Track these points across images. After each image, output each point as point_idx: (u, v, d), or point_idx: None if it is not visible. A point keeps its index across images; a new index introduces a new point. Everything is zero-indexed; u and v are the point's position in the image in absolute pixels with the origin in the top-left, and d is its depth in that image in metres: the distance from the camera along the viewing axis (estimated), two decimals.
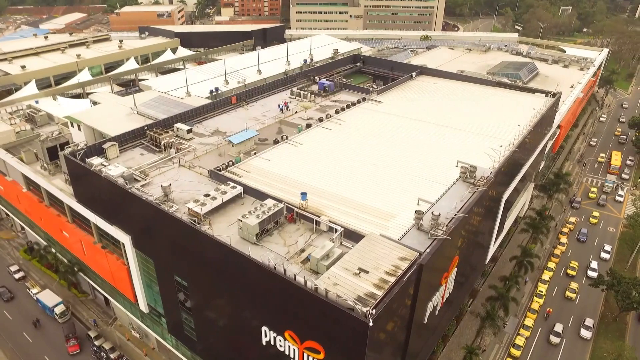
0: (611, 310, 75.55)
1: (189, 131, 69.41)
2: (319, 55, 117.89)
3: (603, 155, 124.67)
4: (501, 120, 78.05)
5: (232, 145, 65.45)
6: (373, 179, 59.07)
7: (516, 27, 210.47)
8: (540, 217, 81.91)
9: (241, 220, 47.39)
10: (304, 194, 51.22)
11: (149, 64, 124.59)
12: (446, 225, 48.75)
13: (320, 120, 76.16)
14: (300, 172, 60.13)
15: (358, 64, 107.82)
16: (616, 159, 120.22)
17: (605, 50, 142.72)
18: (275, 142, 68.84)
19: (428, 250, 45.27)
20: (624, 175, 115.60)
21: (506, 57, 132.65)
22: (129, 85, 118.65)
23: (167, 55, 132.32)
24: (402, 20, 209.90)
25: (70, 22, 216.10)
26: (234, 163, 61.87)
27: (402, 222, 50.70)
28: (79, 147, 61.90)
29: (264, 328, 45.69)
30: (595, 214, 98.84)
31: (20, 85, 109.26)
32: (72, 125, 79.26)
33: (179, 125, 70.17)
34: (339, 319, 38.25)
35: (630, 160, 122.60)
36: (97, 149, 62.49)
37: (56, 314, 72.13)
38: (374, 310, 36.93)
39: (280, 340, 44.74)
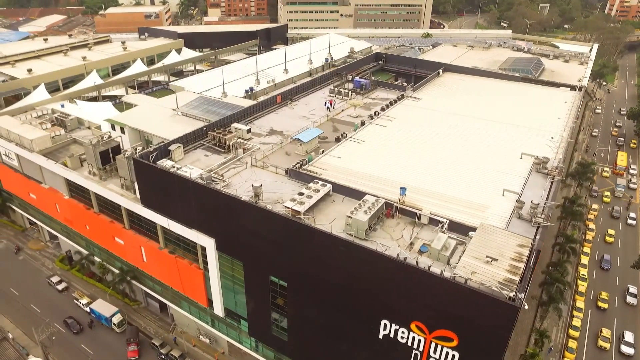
0: None
1: (248, 131, 68.65)
2: (335, 54, 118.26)
3: (607, 169, 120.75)
4: (540, 113, 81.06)
5: (300, 144, 65.40)
6: (448, 172, 60.38)
7: (502, 24, 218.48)
8: (575, 204, 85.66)
9: (350, 217, 47.61)
10: (403, 189, 51.83)
11: (160, 64, 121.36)
12: (543, 213, 50.70)
13: (371, 117, 76.91)
14: (375, 168, 60.69)
15: (380, 62, 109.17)
16: (622, 159, 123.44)
17: (596, 45, 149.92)
18: (337, 140, 69.12)
19: (538, 237, 47.07)
20: (631, 185, 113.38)
21: (508, 53, 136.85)
22: (143, 87, 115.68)
23: (173, 56, 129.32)
24: (391, 19, 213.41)
25: (51, 24, 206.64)
26: (307, 161, 61.75)
27: (496, 212, 52.25)
28: (145, 150, 60.24)
29: (383, 322, 46.11)
30: (611, 232, 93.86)
31: (29, 90, 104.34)
32: (114, 129, 76.82)
33: (237, 125, 69.26)
34: (482, 305, 39.26)
35: (633, 168, 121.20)
36: (162, 152, 60.96)
37: (114, 323, 69.75)
38: (522, 294, 38.33)
39: (403, 332, 45.34)
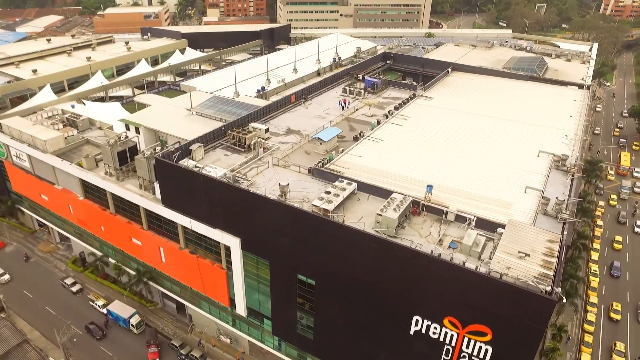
0: None
1: (266, 130, 68.76)
2: (342, 54, 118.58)
3: (612, 172, 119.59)
4: (552, 111, 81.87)
5: (320, 143, 65.63)
6: (469, 170, 60.75)
7: (500, 23, 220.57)
8: (584, 201, 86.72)
9: (380, 215, 47.89)
10: (429, 187, 52.21)
11: (166, 64, 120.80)
12: (567, 209, 51.33)
13: (386, 116, 77.27)
14: (396, 166, 60.91)
15: (388, 62, 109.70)
16: (625, 159, 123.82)
17: (596, 45, 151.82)
18: (355, 139, 69.33)
19: (565, 232, 47.71)
20: (636, 189, 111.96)
21: (511, 52, 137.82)
22: (149, 88, 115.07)
23: (177, 56, 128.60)
24: (390, 19, 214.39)
25: (49, 24, 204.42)
26: (329, 160, 61.89)
27: (521, 208, 52.74)
28: (166, 150, 60.12)
29: (415, 318, 46.48)
30: (619, 238, 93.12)
31: (35, 91, 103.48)
32: (128, 129, 76.53)
33: (255, 124, 69.34)
34: (518, 299, 39.75)
35: (637, 171, 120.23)
36: (183, 152, 60.81)
37: (132, 325, 69.47)
38: (559, 289, 38.94)
39: (435, 328, 45.74)
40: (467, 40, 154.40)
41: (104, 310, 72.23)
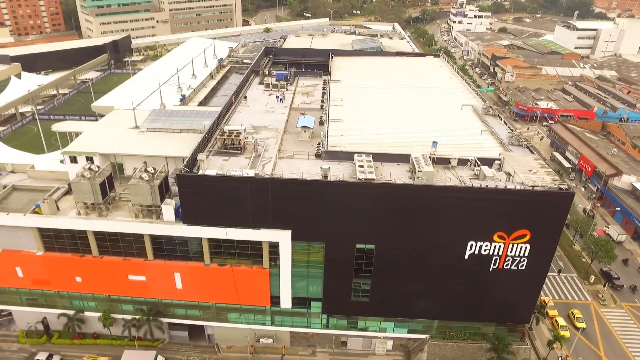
0: None
1: (244, 130, 69.66)
2: (208, 56, 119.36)
3: None
4: (436, 76, 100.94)
5: (305, 131, 70.53)
6: (430, 127, 73.34)
7: (305, 14, 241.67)
8: None
9: (421, 171, 57.26)
10: (435, 143, 63.11)
11: (26, 92, 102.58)
12: (522, 138, 68.82)
13: (322, 101, 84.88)
14: (377, 136, 69.85)
15: (271, 56, 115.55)
16: None
17: (397, 24, 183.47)
18: (321, 123, 75.69)
19: (535, 152, 64.77)
20: None
21: (346, 36, 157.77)
22: (11, 122, 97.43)
23: (17, 83, 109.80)
24: (206, 20, 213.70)
25: None
26: (323, 144, 67.43)
27: (491, 145, 68.12)
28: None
29: (470, 243, 57.52)
30: None
31: None
32: (75, 160, 67.43)
33: (231, 127, 69.43)
34: (549, 199, 54.34)
35: None
36: (189, 164, 58.81)
37: None
38: (573, 184, 54.99)
39: (486, 246, 57.64)
40: (293, 32, 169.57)
41: None
